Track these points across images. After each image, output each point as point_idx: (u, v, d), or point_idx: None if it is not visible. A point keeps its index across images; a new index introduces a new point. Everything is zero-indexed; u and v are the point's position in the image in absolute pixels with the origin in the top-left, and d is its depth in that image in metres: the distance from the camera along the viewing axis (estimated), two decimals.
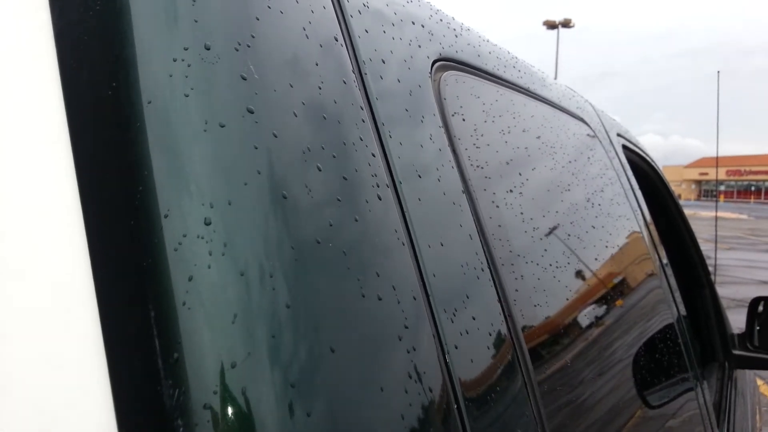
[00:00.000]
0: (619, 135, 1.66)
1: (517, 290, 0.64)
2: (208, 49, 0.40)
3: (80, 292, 0.35)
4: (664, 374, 1.19)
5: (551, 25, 26.11)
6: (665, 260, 1.53)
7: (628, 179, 1.47)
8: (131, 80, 0.38)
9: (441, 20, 0.78)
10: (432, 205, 0.55)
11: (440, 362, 0.46)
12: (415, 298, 0.46)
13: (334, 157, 0.45)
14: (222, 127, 0.38)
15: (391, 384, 0.40)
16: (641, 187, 1.64)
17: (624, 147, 1.66)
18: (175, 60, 0.38)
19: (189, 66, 0.39)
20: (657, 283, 1.35)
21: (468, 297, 0.53)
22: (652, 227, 1.53)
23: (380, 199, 0.47)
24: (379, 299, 0.42)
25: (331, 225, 0.41)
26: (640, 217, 1.42)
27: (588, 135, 1.28)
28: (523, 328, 0.62)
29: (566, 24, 25.71)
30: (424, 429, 0.41)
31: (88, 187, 0.36)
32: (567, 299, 0.80)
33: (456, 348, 0.48)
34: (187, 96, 0.38)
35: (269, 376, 0.34)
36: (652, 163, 2.09)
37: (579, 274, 0.90)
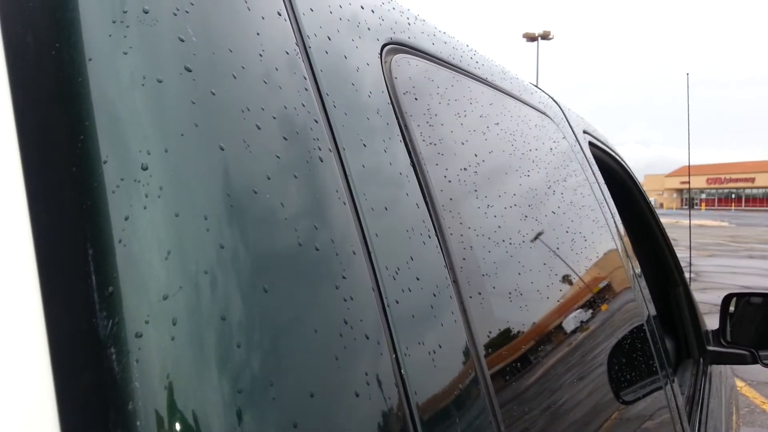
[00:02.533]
0: (585, 132, 1.70)
1: (464, 259, 0.66)
2: (147, 12, 0.42)
3: (20, 231, 0.37)
4: (631, 376, 1.18)
5: (531, 38, 26.42)
6: (634, 258, 1.54)
7: (594, 173, 1.50)
8: (73, 41, 0.40)
9: (393, 8, 0.81)
10: (377, 173, 0.57)
11: (379, 316, 0.48)
12: (354, 253, 0.48)
13: (274, 118, 0.47)
14: (160, 82, 0.40)
15: (324, 327, 0.42)
16: (611, 185, 1.67)
17: (591, 144, 1.70)
18: (114, 22, 0.41)
19: (128, 27, 0.41)
20: (625, 282, 1.35)
21: (412, 259, 0.56)
22: (620, 223, 1.54)
23: (322, 161, 0.50)
24: (317, 249, 0.44)
25: (269, 178, 0.43)
26: (607, 212, 1.44)
27: (550, 128, 1.31)
28: (470, 296, 0.64)
29: (545, 36, 26.03)
30: (355, 371, 0.43)
31: (30, 138, 0.38)
32: (519, 274, 0.82)
33: (397, 303, 0.50)
34: (125, 54, 0.40)
35: (200, 307, 0.36)
36: (622, 162, 2.14)
37: (533, 256, 0.92)
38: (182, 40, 0.43)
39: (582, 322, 1.02)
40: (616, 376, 1.08)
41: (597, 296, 1.16)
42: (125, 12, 0.41)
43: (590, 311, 1.09)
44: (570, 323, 0.96)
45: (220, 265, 0.37)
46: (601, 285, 1.23)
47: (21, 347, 0.35)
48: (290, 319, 0.40)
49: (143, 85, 0.40)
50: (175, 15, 0.44)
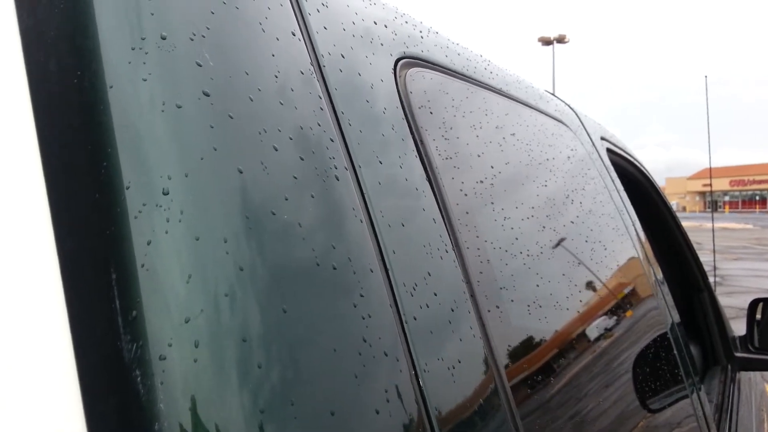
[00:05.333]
0: (603, 138, 1.69)
1: (481, 272, 0.66)
2: (164, 38, 0.43)
3: (46, 258, 0.38)
4: (656, 385, 1.16)
5: (546, 42, 26.34)
6: (656, 264, 1.52)
7: (612, 180, 1.49)
8: (93, 68, 0.41)
9: (406, 22, 0.81)
10: (393, 189, 0.58)
11: (398, 333, 0.48)
12: (372, 270, 0.48)
13: (291, 139, 0.48)
14: (179, 107, 0.41)
15: (343, 345, 0.43)
16: (630, 191, 1.65)
17: (609, 150, 1.69)
18: (133, 49, 0.42)
19: (146, 54, 0.42)
20: (647, 289, 1.34)
21: (430, 274, 0.56)
22: (641, 230, 1.53)
23: (338, 180, 0.50)
24: (334, 269, 0.45)
25: (286, 199, 0.44)
26: (627, 219, 1.43)
27: (567, 136, 1.31)
28: (489, 310, 0.64)
29: (561, 40, 25.93)
30: (374, 388, 0.43)
31: (54, 166, 0.39)
32: (537, 286, 0.82)
33: (415, 319, 0.51)
34: (145, 80, 0.41)
35: (221, 330, 0.36)
36: (641, 167, 2.12)
37: (553, 267, 0.92)
38: (200, 65, 0.44)
39: (604, 331, 1.02)
40: (640, 386, 1.07)
41: (619, 305, 1.15)
42: (143, 39, 0.42)
43: (612, 320, 1.08)
44: (592, 333, 0.95)
45: (240, 287, 0.38)
46: (623, 293, 1.22)
47: (49, 372, 0.36)
48: (309, 339, 0.40)
49: (163, 111, 0.40)
50: (192, 40, 0.44)
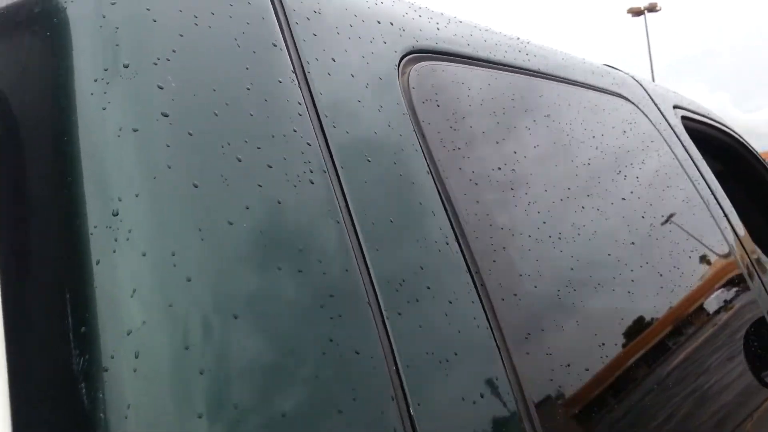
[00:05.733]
0: (677, 107, 1.58)
1: (494, 261, 0.65)
2: (126, 66, 0.46)
3: None
4: (749, 381, 1.07)
5: (637, 12, 24.76)
6: (748, 241, 1.39)
7: (687, 151, 1.40)
8: (60, 102, 0.45)
9: (420, 16, 0.81)
10: (382, 187, 0.58)
11: (376, 330, 0.49)
12: (347, 270, 0.49)
13: (259, 149, 0.49)
14: (135, 131, 0.44)
15: (302, 347, 0.44)
16: (716, 160, 1.54)
17: (686, 119, 1.58)
18: (96, 80, 0.45)
19: (107, 83, 0.45)
20: (734, 271, 1.23)
21: (422, 268, 0.56)
22: (726, 202, 1.41)
23: (312, 183, 0.51)
24: (300, 272, 0.46)
25: (247, 208, 0.46)
26: (705, 191, 1.33)
27: (625, 109, 1.24)
28: (502, 298, 0.63)
29: (652, 9, 24.31)
30: (338, 387, 0.44)
31: (9, 189, 0.43)
32: (572, 269, 0.79)
33: (399, 315, 0.51)
34: (104, 109, 0.44)
35: (162, 339, 0.38)
36: (732, 133, 1.97)
37: (599, 255, 0.88)
38: (161, 88, 0.46)
39: (682, 329, 0.96)
40: (729, 388, 0.99)
41: (698, 297, 1.07)
42: (106, 70, 0.45)
43: (691, 315, 1.02)
44: (657, 331, 0.90)
45: (187, 297, 0.40)
46: (702, 282, 1.13)
47: None
48: (263, 342, 0.42)
49: (119, 136, 0.43)
50: (156, 65, 0.47)
